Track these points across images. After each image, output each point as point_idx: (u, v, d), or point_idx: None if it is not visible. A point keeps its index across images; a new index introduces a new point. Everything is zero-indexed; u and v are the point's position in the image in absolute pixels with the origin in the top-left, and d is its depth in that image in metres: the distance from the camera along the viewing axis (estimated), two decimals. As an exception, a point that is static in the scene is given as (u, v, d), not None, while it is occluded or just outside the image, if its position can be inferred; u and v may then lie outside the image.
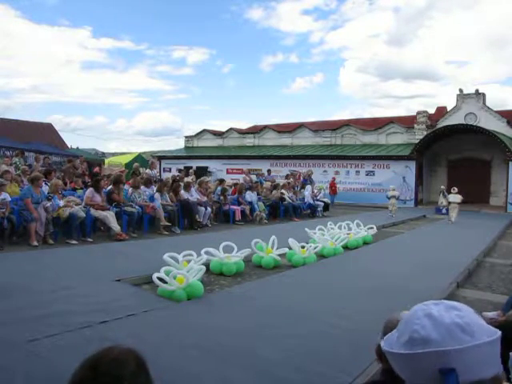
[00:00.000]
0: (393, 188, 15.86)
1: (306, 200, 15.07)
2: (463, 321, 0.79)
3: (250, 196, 13.24)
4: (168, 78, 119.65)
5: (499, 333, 0.81)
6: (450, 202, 14.21)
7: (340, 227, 9.42)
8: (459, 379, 0.76)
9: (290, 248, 7.16)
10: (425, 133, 21.49)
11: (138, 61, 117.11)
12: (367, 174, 21.82)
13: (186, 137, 31.50)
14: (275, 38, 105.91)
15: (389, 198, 15.55)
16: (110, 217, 8.70)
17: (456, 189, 14.11)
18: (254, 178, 17.89)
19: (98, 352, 0.94)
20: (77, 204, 8.57)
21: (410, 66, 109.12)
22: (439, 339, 0.78)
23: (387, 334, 0.92)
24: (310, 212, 15.12)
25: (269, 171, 19.50)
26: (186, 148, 30.82)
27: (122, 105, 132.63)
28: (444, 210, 16.94)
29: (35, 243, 7.49)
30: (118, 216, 9.19)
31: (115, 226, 8.64)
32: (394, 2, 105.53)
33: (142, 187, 10.41)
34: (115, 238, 8.54)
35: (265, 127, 28.36)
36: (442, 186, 17.79)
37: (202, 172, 20.83)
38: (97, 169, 13.82)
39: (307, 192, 15.24)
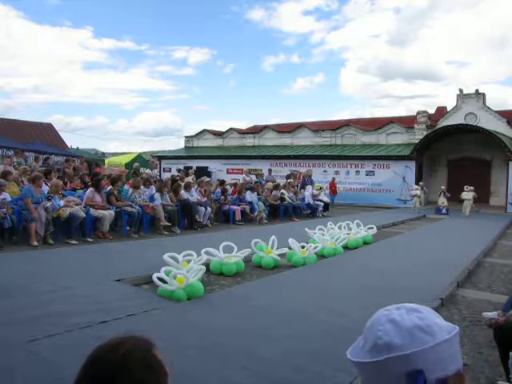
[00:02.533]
0: (416, 188, 17.41)
1: (306, 200, 15.08)
2: (423, 322, 0.81)
3: (250, 196, 13.24)
4: (169, 78, 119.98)
5: (457, 328, 0.83)
6: (463, 199, 16.32)
7: (340, 227, 9.42)
8: (426, 378, 0.78)
9: (290, 248, 7.16)
10: (425, 133, 21.48)
11: (139, 61, 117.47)
12: (367, 174, 21.82)
13: (186, 137, 31.50)
14: (276, 38, 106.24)
15: (412, 197, 17.57)
16: (108, 216, 8.71)
17: (469, 187, 16.32)
18: (254, 178, 17.90)
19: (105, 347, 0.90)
20: (77, 204, 8.58)
21: (410, 66, 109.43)
22: (402, 343, 0.79)
23: (353, 344, 0.93)
24: (309, 212, 15.12)
25: (270, 171, 19.49)
26: (186, 148, 30.82)
27: (123, 105, 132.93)
28: (444, 210, 16.94)
29: (35, 243, 7.49)
30: (118, 216, 9.20)
31: (106, 225, 8.74)
32: (394, 2, 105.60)
33: (142, 187, 10.42)
34: (97, 234, 8.67)
35: (265, 127, 28.36)
36: (443, 187, 17.79)
37: (202, 172, 20.82)
38: (97, 169, 13.78)
39: (307, 192, 15.24)
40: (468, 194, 16.10)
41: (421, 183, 18.13)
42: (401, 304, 0.88)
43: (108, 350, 0.85)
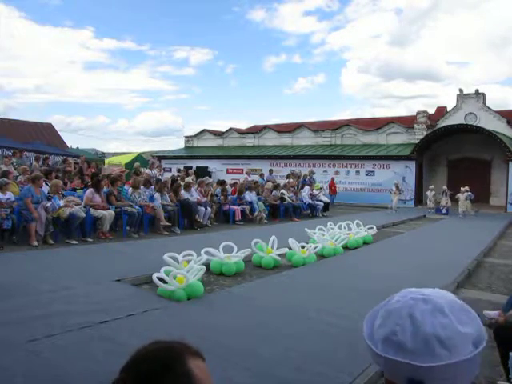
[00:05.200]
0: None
1: (303, 200, 15.08)
2: (445, 333, 0.74)
3: (250, 196, 13.24)
4: (169, 78, 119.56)
5: (484, 343, 0.76)
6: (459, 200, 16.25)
7: (340, 227, 9.42)
8: None
9: (290, 248, 7.16)
10: (425, 133, 21.50)
11: (140, 61, 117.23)
12: (367, 174, 21.83)
13: (186, 137, 31.51)
14: (277, 38, 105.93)
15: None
16: (108, 216, 8.72)
17: (464, 187, 16.18)
18: (256, 177, 17.90)
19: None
20: (77, 204, 8.58)
21: (411, 66, 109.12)
22: (414, 350, 0.74)
23: (371, 315, 0.88)
24: (309, 212, 15.13)
25: (270, 171, 19.50)
26: (186, 148, 30.83)
27: (123, 105, 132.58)
28: (444, 210, 16.95)
29: (35, 243, 7.49)
30: (118, 216, 9.20)
31: (106, 225, 8.75)
32: (395, 3, 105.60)
33: (142, 187, 10.42)
34: (98, 235, 8.66)
35: (265, 127, 28.36)
36: (444, 187, 17.78)
37: (202, 172, 20.83)
38: (91, 169, 13.62)
39: (304, 193, 15.27)
40: (462, 195, 16.10)
41: (395, 182, 18.01)
42: (431, 293, 0.82)
43: (142, 346, 0.83)
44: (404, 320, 0.77)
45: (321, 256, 7.65)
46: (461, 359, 0.73)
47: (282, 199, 14.05)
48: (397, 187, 17.36)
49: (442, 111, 23.96)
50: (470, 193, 16.01)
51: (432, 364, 0.72)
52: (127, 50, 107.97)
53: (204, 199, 11.50)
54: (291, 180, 16.29)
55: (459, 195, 16.09)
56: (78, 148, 31.60)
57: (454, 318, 0.76)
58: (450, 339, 0.74)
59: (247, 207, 12.82)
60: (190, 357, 0.84)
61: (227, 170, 25.51)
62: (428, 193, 18.04)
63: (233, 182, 16.20)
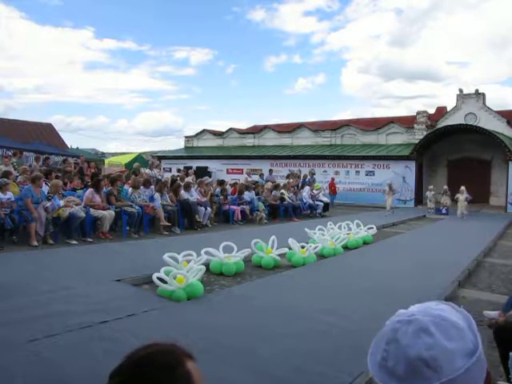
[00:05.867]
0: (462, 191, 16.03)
1: (304, 200, 15.08)
2: (429, 354, 0.72)
3: (249, 196, 13.24)
4: (169, 78, 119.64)
5: (477, 354, 0.74)
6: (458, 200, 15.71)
7: (340, 227, 9.42)
8: None
9: (290, 248, 7.16)
10: (425, 133, 21.50)
11: (140, 61, 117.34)
12: (367, 174, 21.83)
13: (186, 137, 31.51)
14: (277, 38, 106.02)
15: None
16: (108, 216, 8.72)
17: (462, 188, 15.65)
18: (256, 178, 17.91)
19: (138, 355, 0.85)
20: (77, 204, 8.57)
21: (412, 66, 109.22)
22: (404, 376, 0.74)
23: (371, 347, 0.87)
24: (309, 212, 15.13)
25: (270, 171, 19.50)
26: (186, 148, 30.83)
27: (123, 105, 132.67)
28: (444, 210, 16.95)
29: (35, 243, 7.49)
30: (118, 216, 9.20)
31: (106, 225, 8.75)
32: (396, 3, 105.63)
33: (142, 187, 10.42)
34: (98, 235, 8.66)
35: (265, 127, 28.36)
36: (445, 187, 17.78)
37: (202, 172, 20.83)
38: (91, 169, 13.60)
39: (305, 193, 15.26)
40: (461, 196, 15.51)
41: (388, 182, 17.24)
42: (419, 311, 0.79)
43: (138, 349, 0.85)
44: (390, 345, 0.77)
45: (321, 256, 7.65)
46: (452, 376, 0.71)
47: (282, 199, 14.05)
48: (390, 187, 16.46)
49: (441, 111, 23.97)
50: (467, 195, 15.47)
51: None
52: (127, 50, 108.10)
53: (204, 199, 11.51)
54: (291, 180, 16.29)
55: (458, 195, 15.65)
56: (77, 148, 31.60)
57: (439, 336, 0.74)
58: (435, 360, 0.72)
59: (247, 207, 12.83)
60: (187, 359, 0.86)
61: (227, 170, 25.51)
62: (428, 193, 17.93)
63: (233, 182, 16.20)
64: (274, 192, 14.14)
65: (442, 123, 21.54)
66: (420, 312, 0.79)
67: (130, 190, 10.34)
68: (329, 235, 8.51)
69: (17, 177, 10.12)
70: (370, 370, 0.81)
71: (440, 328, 0.75)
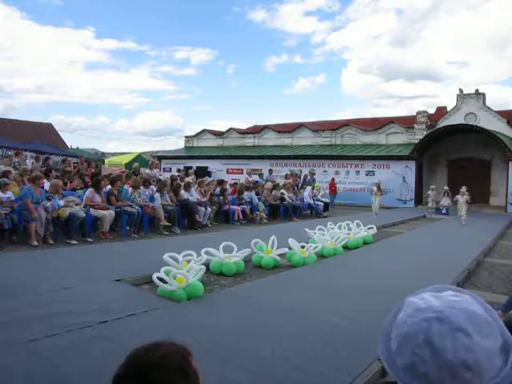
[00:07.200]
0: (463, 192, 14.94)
1: (305, 200, 15.08)
2: (470, 356, 0.66)
3: (249, 196, 13.23)
4: (170, 78, 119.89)
5: None
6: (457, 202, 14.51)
7: (340, 227, 9.41)
8: None
9: (290, 248, 7.16)
10: (425, 133, 21.48)
11: (141, 61, 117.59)
12: (367, 174, 21.81)
13: (186, 137, 31.48)
14: (278, 39, 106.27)
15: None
16: (108, 216, 8.72)
17: (462, 189, 14.55)
18: (256, 178, 17.90)
19: (141, 353, 0.88)
20: (77, 204, 8.58)
21: (412, 66, 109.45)
22: (438, 379, 0.68)
23: (384, 336, 0.81)
24: (309, 212, 15.12)
25: (270, 171, 19.50)
26: (186, 148, 30.80)
27: (124, 105, 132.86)
28: (444, 210, 16.94)
29: (35, 243, 7.49)
30: (118, 216, 9.20)
31: (106, 225, 8.75)
32: (396, 3, 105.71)
33: (142, 187, 10.42)
34: (98, 235, 8.66)
35: (265, 127, 28.34)
36: (446, 187, 17.77)
37: (202, 172, 20.81)
38: (91, 169, 13.59)
39: (306, 193, 15.25)
40: (462, 198, 14.26)
41: (376, 181, 16.40)
42: (443, 306, 0.72)
43: (146, 350, 0.87)
44: (422, 349, 0.69)
45: (321, 256, 7.65)
46: (498, 380, 0.67)
47: (282, 199, 14.05)
48: (378, 187, 15.43)
49: (442, 111, 23.95)
50: (468, 197, 14.42)
51: None
52: (128, 50, 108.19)
53: (204, 199, 11.51)
54: (290, 181, 16.27)
55: (458, 197, 14.51)
56: (77, 148, 31.58)
57: (476, 335, 0.68)
58: (476, 363, 0.66)
59: (247, 207, 12.83)
60: (191, 357, 0.89)
61: (227, 169, 25.49)
62: (429, 192, 17.84)
63: (233, 181, 16.19)
64: (273, 192, 14.15)
65: (442, 123, 21.53)
66: (446, 306, 0.72)
67: (130, 190, 10.34)
68: (329, 235, 8.51)
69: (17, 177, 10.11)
70: (389, 371, 0.75)
71: (475, 326, 0.69)
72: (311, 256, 7.17)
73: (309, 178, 17.44)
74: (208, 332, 3.72)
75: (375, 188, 15.41)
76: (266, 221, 12.75)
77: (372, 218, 13.23)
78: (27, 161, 13.57)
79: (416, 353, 0.69)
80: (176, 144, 46.59)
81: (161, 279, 4.83)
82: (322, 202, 15.73)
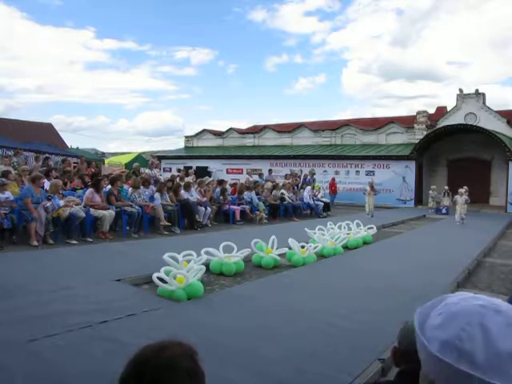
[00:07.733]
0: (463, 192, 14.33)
1: (304, 200, 15.07)
2: None
3: (249, 196, 13.23)
4: (170, 78, 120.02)
5: None
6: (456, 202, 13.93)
7: (340, 227, 9.42)
8: None
9: (290, 248, 7.16)
10: (425, 133, 21.48)
11: (141, 61, 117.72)
12: (367, 174, 21.79)
13: (186, 137, 31.48)
14: (278, 39, 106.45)
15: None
16: (108, 216, 8.72)
17: (461, 189, 14.12)
18: (256, 178, 17.90)
19: (146, 352, 0.88)
20: (77, 204, 8.57)
21: (412, 66, 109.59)
22: (483, 364, 0.65)
23: (426, 305, 0.79)
24: (309, 212, 15.12)
25: (270, 171, 19.49)
26: (186, 148, 30.80)
27: (124, 105, 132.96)
28: (444, 210, 16.94)
29: (35, 243, 7.49)
30: (118, 216, 9.20)
31: (106, 225, 8.75)
32: (396, 3, 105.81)
33: (142, 187, 10.42)
34: (98, 235, 8.66)
35: (265, 127, 28.34)
36: (446, 187, 17.76)
37: (202, 172, 20.81)
38: (91, 169, 13.55)
39: (306, 193, 15.25)
40: (461, 198, 13.72)
41: (369, 180, 16.09)
42: (500, 306, 0.71)
43: (155, 351, 0.87)
44: (473, 328, 0.68)
45: (321, 256, 7.65)
46: None
47: (282, 199, 14.05)
48: (371, 187, 15.17)
49: (442, 111, 23.95)
50: (467, 197, 14.03)
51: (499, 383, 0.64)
52: (128, 50, 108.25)
53: (204, 199, 11.50)
54: (289, 181, 16.26)
55: (457, 197, 14.00)
56: (78, 148, 31.58)
57: None
58: None
59: (247, 207, 12.82)
60: (198, 357, 0.91)
61: (227, 169, 25.49)
62: (430, 192, 17.79)
63: (233, 182, 16.19)
64: (273, 192, 14.14)
65: (442, 123, 21.52)
66: (501, 304, 0.72)
67: (130, 189, 10.34)
68: (329, 235, 8.51)
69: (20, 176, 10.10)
70: (424, 342, 0.71)
71: None
72: (311, 256, 7.17)
73: (309, 177, 17.44)
74: (208, 332, 3.72)
75: (368, 188, 15.21)
76: (265, 221, 12.74)
77: (370, 219, 13.23)
78: (35, 163, 13.53)
79: (465, 329, 0.68)
80: (176, 144, 46.62)
81: (161, 279, 4.83)
82: (322, 202, 15.73)
